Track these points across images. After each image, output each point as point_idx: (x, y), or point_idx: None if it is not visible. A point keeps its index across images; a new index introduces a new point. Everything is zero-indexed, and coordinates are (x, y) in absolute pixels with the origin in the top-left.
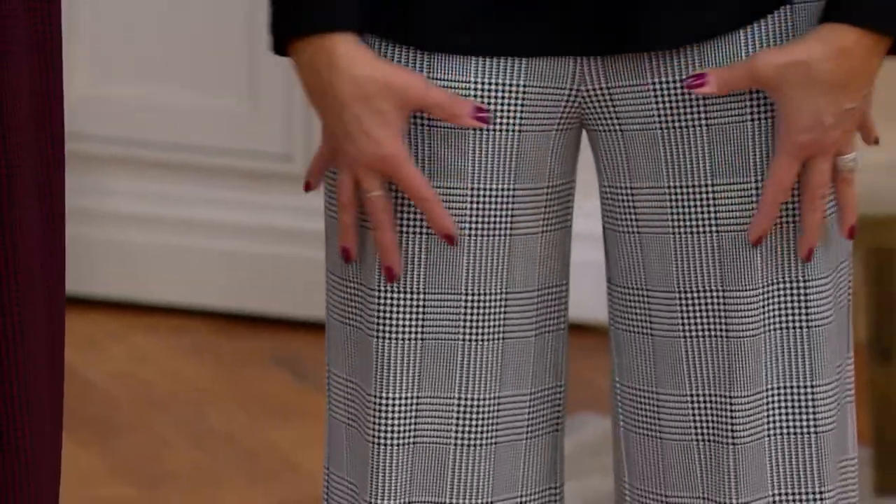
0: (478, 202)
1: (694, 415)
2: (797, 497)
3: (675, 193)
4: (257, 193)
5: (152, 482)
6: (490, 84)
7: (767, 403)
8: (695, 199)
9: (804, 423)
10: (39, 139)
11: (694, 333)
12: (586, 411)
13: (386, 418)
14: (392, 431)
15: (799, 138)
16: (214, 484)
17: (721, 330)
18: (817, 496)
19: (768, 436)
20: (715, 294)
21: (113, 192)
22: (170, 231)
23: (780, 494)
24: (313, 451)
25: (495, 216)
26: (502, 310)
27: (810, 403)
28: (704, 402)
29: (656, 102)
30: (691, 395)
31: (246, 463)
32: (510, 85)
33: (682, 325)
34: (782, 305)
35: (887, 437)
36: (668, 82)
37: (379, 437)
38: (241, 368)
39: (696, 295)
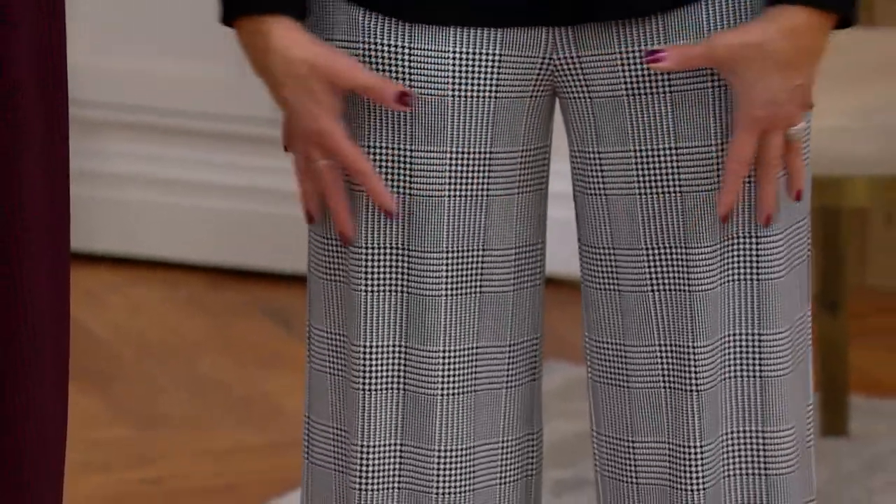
0: (456, 165)
1: (659, 365)
2: (744, 434)
3: (641, 157)
4: (246, 156)
5: (149, 424)
6: (466, 53)
7: (723, 350)
8: (659, 162)
9: (753, 368)
10: (44, 104)
11: (658, 288)
12: (553, 359)
13: (373, 366)
14: (379, 378)
15: (755, 114)
16: (206, 426)
17: (683, 284)
18: (761, 435)
19: (723, 379)
20: (678, 250)
21: (111, 155)
22: (164, 191)
23: (729, 433)
24: (298, 397)
25: (473, 178)
26: (479, 266)
27: (759, 350)
28: (669, 352)
29: (623, 71)
30: (657, 346)
31: (235, 407)
32: (485, 54)
33: (648, 280)
34: (737, 259)
35: (835, 383)
36: (634, 51)
37: (368, 384)
38: (231, 319)
39: (660, 252)
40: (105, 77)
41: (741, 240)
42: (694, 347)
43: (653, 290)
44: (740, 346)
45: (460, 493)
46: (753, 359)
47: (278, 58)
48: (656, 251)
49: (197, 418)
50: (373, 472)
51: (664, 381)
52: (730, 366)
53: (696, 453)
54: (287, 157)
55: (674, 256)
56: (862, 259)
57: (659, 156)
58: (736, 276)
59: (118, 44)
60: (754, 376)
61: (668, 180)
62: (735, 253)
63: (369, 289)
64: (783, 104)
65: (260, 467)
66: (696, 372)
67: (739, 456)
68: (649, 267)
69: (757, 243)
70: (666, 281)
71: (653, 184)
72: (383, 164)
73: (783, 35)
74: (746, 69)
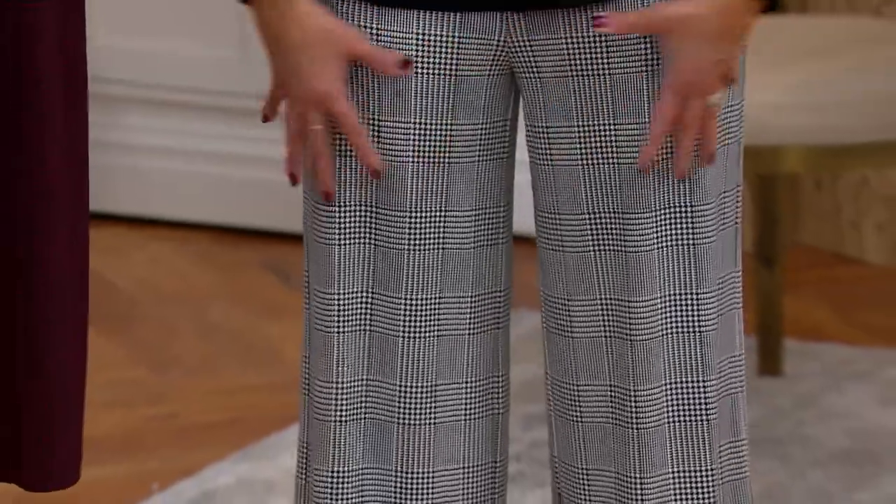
0: (419, 135)
1: (601, 317)
2: (684, 385)
3: (584, 131)
4: (247, 128)
5: (163, 366)
6: (429, 35)
7: (661, 308)
8: (599, 137)
9: (690, 324)
10: (66, 82)
11: (598, 249)
12: (526, 308)
13: (340, 310)
14: (349, 321)
15: (682, 79)
16: (214, 368)
17: (621, 246)
18: (700, 384)
19: (662, 334)
20: (616, 216)
21: (129, 127)
22: (176, 159)
23: (671, 383)
24: (296, 343)
25: (434, 146)
26: (441, 224)
27: (695, 308)
28: (609, 306)
29: (568, 54)
30: (598, 301)
31: (240, 351)
32: (446, 36)
33: (589, 242)
34: (672, 226)
35: (770, 329)
36: (578, 36)
37: (339, 327)
38: (237, 272)
39: (599, 217)
40: (122, 56)
41: (677, 208)
42: (630, 302)
43: (593, 251)
44: (678, 305)
45: (423, 424)
46: (690, 316)
47: (297, 24)
48: (596, 216)
49: (206, 361)
50: (342, 405)
51: (605, 332)
52: (670, 322)
53: (634, 395)
54: (282, 128)
55: (612, 221)
56: (794, 220)
57: (599, 131)
58: (673, 242)
59: (134, 25)
60: (692, 331)
61: (607, 153)
62: (671, 220)
63: (341, 242)
64: (707, 73)
65: (262, 404)
66: (631, 324)
67: (678, 403)
68: (590, 230)
69: (691, 212)
70: (605, 243)
71: (593, 156)
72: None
73: (716, 11)
74: (679, 38)
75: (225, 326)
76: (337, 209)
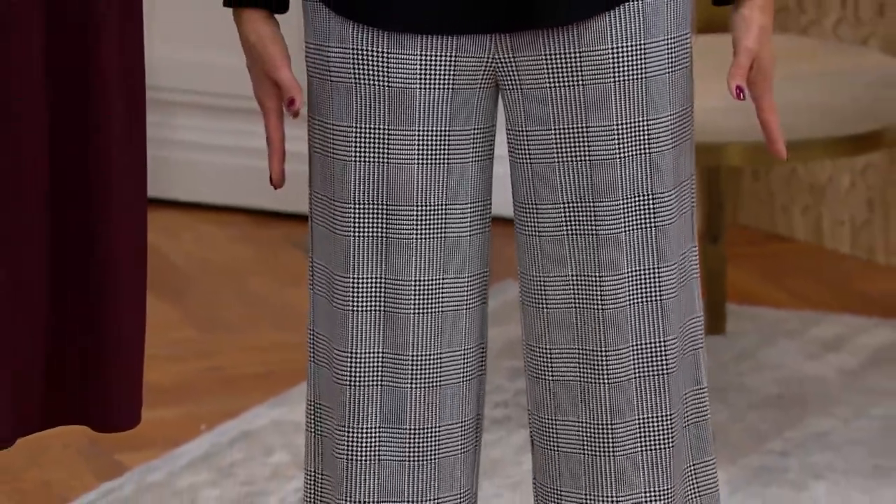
0: (422, 140)
1: (571, 292)
2: (648, 346)
3: (559, 134)
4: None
5: (210, 327)
6: (430, 56)
7: (628, 282)
8: (573, 138)
9: (653, 294)
10: (126, 83)
11: (570, 233)
12: (510, 278)
13: (357, 293)
14: (362, 301)
15: (749, 45)
16: (253, 328)
17: (591, 230)
18: (661, 344)
19: (629, 304)
20: (587, 205)
21: (180, 127)
22: (220, 153)
23: (636, 345)
24: None
25: (436, 150)
26: (443, 217)
27: (657, 280)
28: (579, 281)
29: (547, 68)
30: (570, 277)
31: (274, 314)
32: (444, 56)
33: (563, 228)
34: (637, 212)
35: (715, 296)
36: (556, 53)
37: (355, 307)
38: (270, 249)
39: (572, 206)
40: (175, 66)
41: (641, 198)
42: (600, 277)
43: (566, 235)
44: (643, 279)
45: (430, 387)
46: (654, 287)
47: (242, 38)
48: (569, 206)
49: (246, 322)
50: (359, 373)
51: (575, 304)
52: (634, 293)
53: (605, 356)
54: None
55: (583, 209)
56: (735, 204)
57: (573, 133)
58: (638, 225)
59: (185, 39)
60: (656, 300)
61: (579, 152)
62: (636, 207)
63: (356, 234)
64: (764, 39)
65: (292, 359)
66: (601, 296)
67: (642, 361)
68: (564, 218)
69: (653, 200)
70: (577, 228)
71: (568, 154)
72: (367, 140)
73: (761, 8)
74: (762, 47)
75: (261, 294)
76: (353, 206)
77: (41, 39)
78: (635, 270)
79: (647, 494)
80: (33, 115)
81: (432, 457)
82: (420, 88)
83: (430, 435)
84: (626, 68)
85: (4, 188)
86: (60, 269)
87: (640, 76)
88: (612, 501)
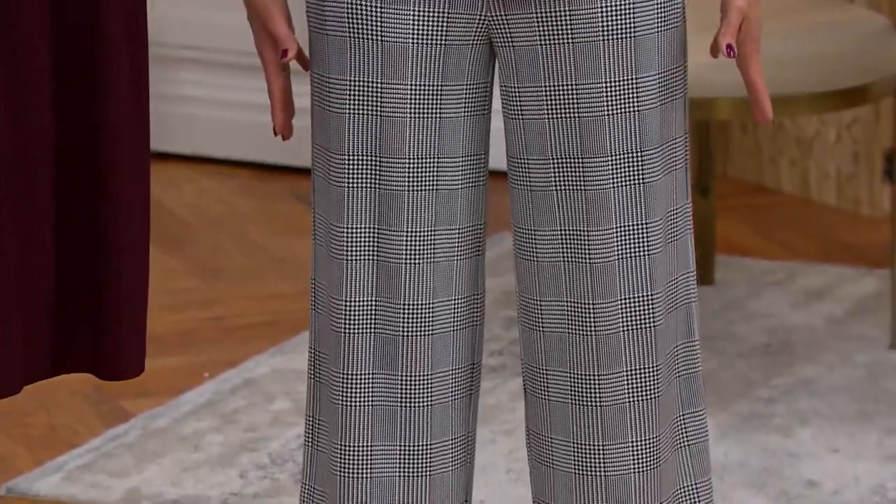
0: (415, 95)
1: (560, 245)
2: (636, 299)
3: (550, 91)
4: None
5: (212, 277)
6: (424, 11)
7: (616, 237)
8: (563, 95)
9: (641, 249)
10: (131, 45)
11: (560, 188)
12: (506, 231)
13: (351, 243)
14: (355, 250)
15: (739, 5)
16: (253, 278)
17: (580, 185)
18: (649, 298)
19: (617, 258)
20: (576, 161)
21: (183, 82)
22: (222, 108)
23: (624, 298)
24: None
25: (428, 104)
26: (435, 170)
27: (645, 235)
28: (568, 236)
29: (538, 26)
30: (559, 231)
31: (275, 264)
32: (438, 12)
33: (553, 182)
34: (625, 169)
35: (705, 246)
36: (547, 11)
37: (349, 256)
38: (272, 201)
39: (562, 161)
40: (178, 23)
41: (628, 154)
42: (588, 231)
43: (556, 190)
44: (630, 233)
45: (422, 335)
46: (641, 242)
47: None
48: (559, 161)
49: (247, 273)
50: (353, 320)
51: (564, 258)
52: (622, 248)
53: (593, 308)
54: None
55: (573, 165)
56: (725, 157)
57: (563, 90)
58: (626, 182)
59: None
60: (643, 254)
61: (569, 109)
62: (623, 164)
63: (351, 185)
64: (758, 22)
65: (293, 308)
66: (589, 249)
67: (629, 314)
68: (554, 173)
69: (640, 156)
70: (566, 183)
71: (558, 112)
72: (360, 94)
73: None
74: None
75: (262, 244)
76: (347, 158)
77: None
78: (623, 225)
79: (634, 444)
80: (39, 72)
81: (424, 403)
82: (413, 44)
83: (421, 381)
84: (615, 27)
85: (13, 145)
86: (67, 221)
87: (629, 35)
88: (600, 449)
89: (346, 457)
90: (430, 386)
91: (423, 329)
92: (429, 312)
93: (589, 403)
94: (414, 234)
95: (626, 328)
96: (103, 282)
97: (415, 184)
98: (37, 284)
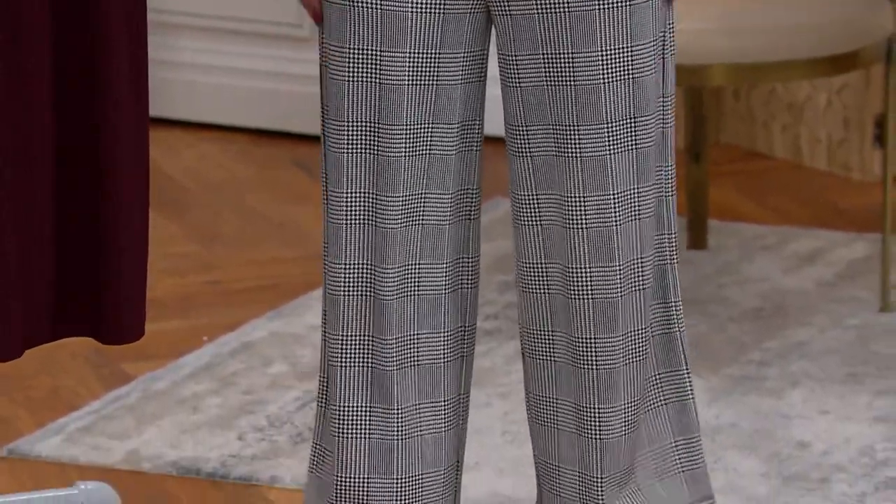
0: (413, 61)
1: (560, 209)
2: (633, 262)
3: (546, 59)
4: (278, 49)
5: (210, 241)
6: None
7: (613, 202)
8: (560, 63)
9: (634, 213)
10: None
11: (559, 155)
12: (499, 196)
13: (349, 207)
14: (353, 215)
15: None
16: (251, 244)
17: (576, 153)
18: (640, 261)
19: (615, 224)
20: (573, 127)
21: (182, 48)
22: (221, 74)
23: (622, 191)
24: (318, 223)
25: (426, 71)
26: (429, 136)
27: (637, 199)
28: (567, 201)
29: None
30: (559, 196)
31: (273, 229)
32: None
33: (552, 148)
34: (621, 135)
35: (698, 212)
36: None
37: (345, 219)
38: (270, 166)
39: (560, 128)
40: None
41: (625, 121)
42: (585, 197)
43: (555, 157)
44: (627, 199)
45: (408, 296)
46: (634, 206)
47: None
48: (556, 128)
49: (245, 238)
50: (349, 283)
51: (565, 224)
52: (621, 213)
53: (585, 272)
54: (307, 49)
55: (570, 132)
56: (717, 123)
57: (559, 59)
58: (621, 147)
59: None
60: (635, 220)
61: (565, 77)
62: (620, 131)
63: (348, 150)
64: None
65: (290, 273)
66: (585, 215)
67: (631, 278)
68: (553, 140)
69: (636, 123)
70: (564, 151)
71: (554, 79)
72: (360, 61)
73: None
74: None
75: (260, 210)
76: (346, 124)
77: None
78: (620, 192)
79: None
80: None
81: (413, 363)
82: (412, 12)
83: (410, 342)
84: None
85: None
86: (67, 187)
87: (624, 3)
88: (596, 412)
89: (341, 419)
90: (417, 347)
91: (409, 290)
92: (415, 274)
93: (586, 366)
94: (406, 198)
95: (625, 293)
96: (104, 247)
97: (410, 148)
98: (37, 248)
